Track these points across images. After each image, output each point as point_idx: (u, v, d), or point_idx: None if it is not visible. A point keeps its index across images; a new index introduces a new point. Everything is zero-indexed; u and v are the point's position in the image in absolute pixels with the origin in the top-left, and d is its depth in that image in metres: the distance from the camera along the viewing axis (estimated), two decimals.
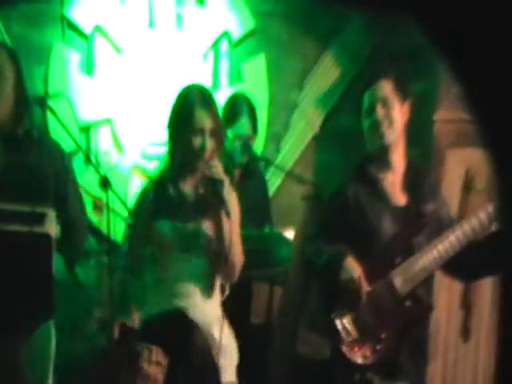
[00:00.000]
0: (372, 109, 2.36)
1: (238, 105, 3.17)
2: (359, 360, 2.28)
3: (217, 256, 2.31)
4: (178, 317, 2.29)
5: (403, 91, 2.39)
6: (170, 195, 2.37)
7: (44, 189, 2.43)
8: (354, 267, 2.28)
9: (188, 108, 2.32)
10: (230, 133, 3.10)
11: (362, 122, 2.42)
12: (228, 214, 2.26)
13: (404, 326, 2.31)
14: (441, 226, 2.34)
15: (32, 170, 2.41)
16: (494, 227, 2.34)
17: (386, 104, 2.36)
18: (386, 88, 2.37)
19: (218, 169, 2.29)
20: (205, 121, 2.30)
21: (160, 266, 2.37)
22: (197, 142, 2.30)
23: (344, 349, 2.28)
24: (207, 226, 2.33)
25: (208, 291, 2.35)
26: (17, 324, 2.33)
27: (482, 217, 2.29)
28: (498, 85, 1.06)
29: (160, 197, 2.38)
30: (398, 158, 2.41)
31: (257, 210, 3.18)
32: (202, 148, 2.30)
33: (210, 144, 2.31)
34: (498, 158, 1.11)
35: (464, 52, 1.07)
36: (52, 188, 2.46)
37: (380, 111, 2.35)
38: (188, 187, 2.40)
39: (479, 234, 2.30)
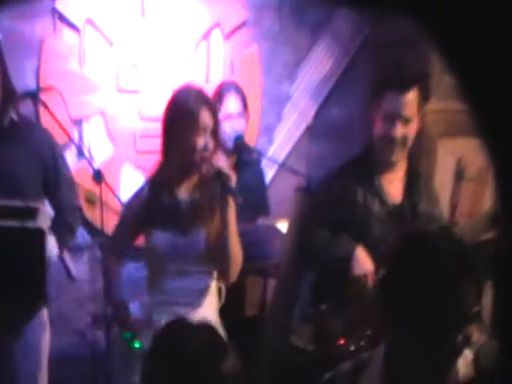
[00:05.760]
0: (392, 120, 2.31)
1: (224, 88, 3.18)
2: (343, 354, 2.29)
3: (219, 259, 2.29)
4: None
5: (425, 101, 2.35)
6: (165, 202, 2.32)
7: (32, 179, 2.42)
8: (366, 260, 2.28)
9: (192, 108, 2.28)
10: (220, 115, 3.09)
11: (372, 113, 2.37)
12: (238, 205, 2.24)
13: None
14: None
15: (18, 161, 2.41)
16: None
17: (407, 122, 2.30)
18: (412, 103, 2.30)
19: (222, 165, 2.30)
20: (207, 120, 2.28)
21: (155, 287, 2.34)
22: (200, 141, 2.27)
23: (329, 341, 2.30)
24: (204, 236, 2.29)
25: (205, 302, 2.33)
26: (9, 319, 2.33)
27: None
28: (493, 75, 1.06)
29: (154, 202, 2.33)
30: (401, 160, 2.42)
31: (254, 200, 3.18)
32: (206, 147, 2.28)
33: (211, 143, 2.29)
34: (494, 148, 1.11)
35: (459, 42, 1.07)
36: (40, 178, 2.45)
37: (399, 129, 2.30)
38: (183, 191, 2.35)
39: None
